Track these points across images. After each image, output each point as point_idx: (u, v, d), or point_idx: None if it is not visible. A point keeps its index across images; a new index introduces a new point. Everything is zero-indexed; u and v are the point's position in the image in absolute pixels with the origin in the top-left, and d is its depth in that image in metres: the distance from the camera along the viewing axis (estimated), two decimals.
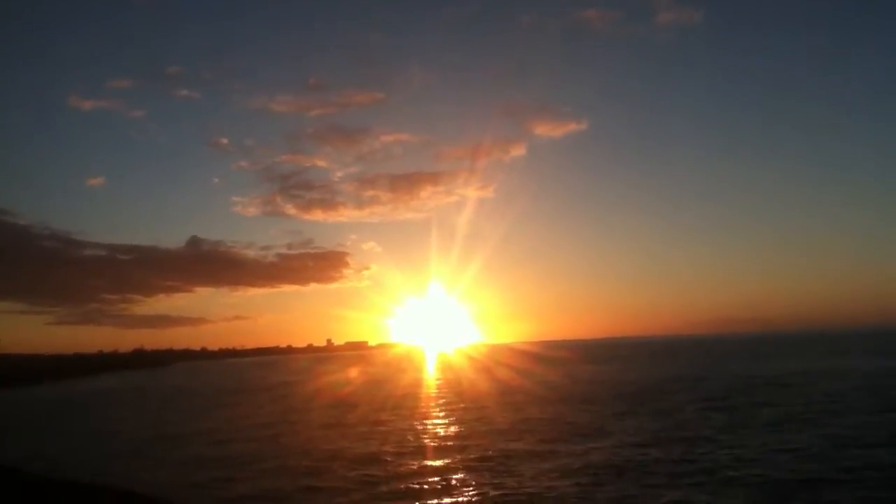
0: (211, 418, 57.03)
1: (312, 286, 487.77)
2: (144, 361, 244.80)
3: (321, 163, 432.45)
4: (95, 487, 24.91)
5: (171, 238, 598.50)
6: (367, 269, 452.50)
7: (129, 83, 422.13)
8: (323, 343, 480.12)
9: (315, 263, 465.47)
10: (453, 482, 25.85)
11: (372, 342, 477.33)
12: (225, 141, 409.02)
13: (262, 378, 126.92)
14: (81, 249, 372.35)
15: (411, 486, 25.63)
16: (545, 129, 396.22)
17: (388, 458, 31.97)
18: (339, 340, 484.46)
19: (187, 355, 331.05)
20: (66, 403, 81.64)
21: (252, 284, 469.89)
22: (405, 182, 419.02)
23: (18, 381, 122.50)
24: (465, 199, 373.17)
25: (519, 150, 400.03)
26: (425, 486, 25.43)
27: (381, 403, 61.23)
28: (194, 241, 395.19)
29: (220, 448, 38.62)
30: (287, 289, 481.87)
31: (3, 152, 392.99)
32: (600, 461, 28.59)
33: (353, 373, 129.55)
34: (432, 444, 36.33)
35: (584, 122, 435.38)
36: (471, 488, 24.58)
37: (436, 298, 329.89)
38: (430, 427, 43.35)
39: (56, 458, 36.99)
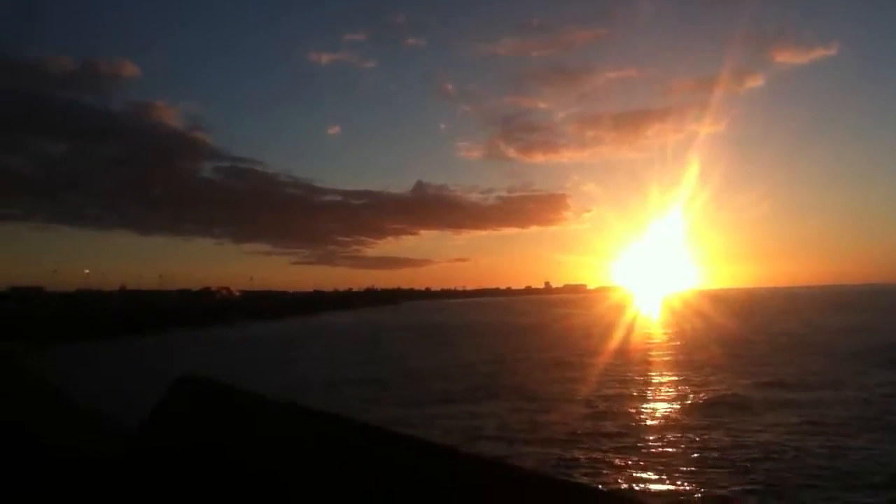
0: (451, 353, 52.85)
1: (532, 228, 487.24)
2: (375, 300, 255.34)
3: (543, 104, 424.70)
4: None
5: (399, 183, 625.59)
6: (587, 211, 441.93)
7: (361, 36, 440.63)
8: (541, 285, 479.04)
9: (535, 206, 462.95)
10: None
11: (591, 285, 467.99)
12: (450, 87, 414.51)
13: (492, 318, 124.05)
14: (320, 195, 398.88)
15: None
16: (787, 57, 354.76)
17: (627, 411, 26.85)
18: (557, 283, 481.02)
19: (413, 295, 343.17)
20: (307, 336, 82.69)
21: (474, 227, 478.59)
22: (630, 120, 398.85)
23: (267, 315, 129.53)
24: (695, 135, 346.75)
25: (756, 82, 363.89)
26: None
27: (614, 346, 55.91)
28: (420, 186, 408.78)
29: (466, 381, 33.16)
30: (507, 231, 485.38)
31: (254, 109, 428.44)
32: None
33: (581, 314, 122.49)
34: (682, 394, 31.34)
35: (833, 47, 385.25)
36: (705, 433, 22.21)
37: (658, 241, 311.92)
38: (669, 376, 37.70)
39: (303, 388, 33.77)
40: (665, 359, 46.12)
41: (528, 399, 30.17)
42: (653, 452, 20.36)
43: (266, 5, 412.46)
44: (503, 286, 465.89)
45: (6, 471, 3.93)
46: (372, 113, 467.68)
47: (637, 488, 16.96)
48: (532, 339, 68.29)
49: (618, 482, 17.30)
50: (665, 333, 71.21)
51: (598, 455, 19.97)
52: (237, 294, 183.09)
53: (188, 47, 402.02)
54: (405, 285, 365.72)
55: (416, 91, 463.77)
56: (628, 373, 38.64)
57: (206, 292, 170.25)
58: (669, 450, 20.62)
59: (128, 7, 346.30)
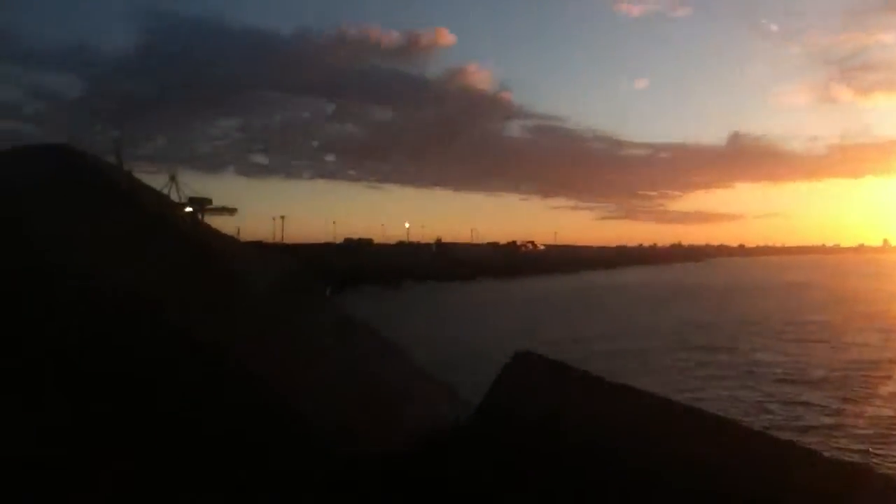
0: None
1: (867, 179, 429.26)
2: (680, 256, 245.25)
3: (886, 38, 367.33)
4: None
5: (710, 134, 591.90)
6: None
7: None
8: (878, 243, 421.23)
9: (873, 154, 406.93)
10: None
11: None
12: (774, 27, 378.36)
13: (820, 279, 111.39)
14: (624, 149, 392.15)
15: None
16: None
17: None
18: None
19: (723, 251, 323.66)
20: (608, 291, 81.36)
21: (795, 178, 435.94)
22: None
23: (568, 269, 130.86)
24: None
25: None
26: None
27: None
28: (735, 137, 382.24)
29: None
30: (836, 183, 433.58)
31: (558, 66, 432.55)
32: None
33: None
34: None
35: None
36: None
37: None
38: None
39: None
40: None
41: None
42: None
43: None
44: (829, 243, 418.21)
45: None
46: (683, 62, 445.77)
47: None
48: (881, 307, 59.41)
49: None
50: None
51: None
52: (542, 248, 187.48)
53: (499, 9, 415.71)
54: (715, 241, 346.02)
55: (733, 35, 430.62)
56: None
57: (512, 245, 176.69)
58: None
59: None
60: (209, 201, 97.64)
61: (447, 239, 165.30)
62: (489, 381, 4.80)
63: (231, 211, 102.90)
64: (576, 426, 3.51)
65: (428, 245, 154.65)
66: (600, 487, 3.33)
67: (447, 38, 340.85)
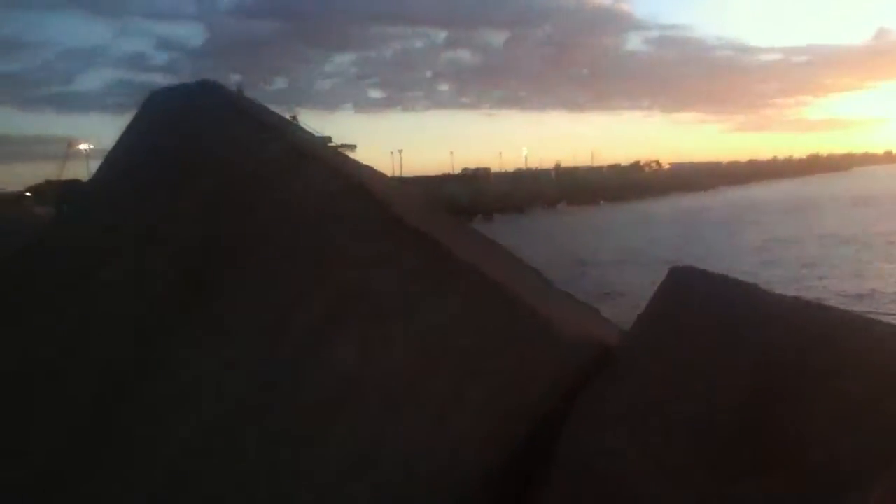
0: None
1: None
2: (820, 167, 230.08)
3: None
4: None
5: (850, 33, 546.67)
6: None
7: None
8: None
9: None
10: None
11: None
12: None
13: None
14: (754, 56, 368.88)
15: None
16: None
17: None
18: None
19: (868, 159, 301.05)
20: (746, 209, 77.52)
21: None
22: None
23: (697, 187, 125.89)
24: None
25: None
26: None
27: None
28: (882, 33, 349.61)
29: None
30: None
31: None
32: None
33: None
34: None
35: None
36: None
37: None
38: None
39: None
40: None
41: None
42: None
43: None
44: None
45: None
46: None
47: None
48: None
49: None
50: None
51: None
52: (667, 166, 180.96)
53: None
54: (857, 150, 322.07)
55: None
56: None
57: (635, 166, 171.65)
58: None
59: None
60: (329, 139, 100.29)
61: (567, 163, 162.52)
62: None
63: (350, 147, 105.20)
64: (762, 342, 3.11)
65: (547, 171, 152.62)
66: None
67: None
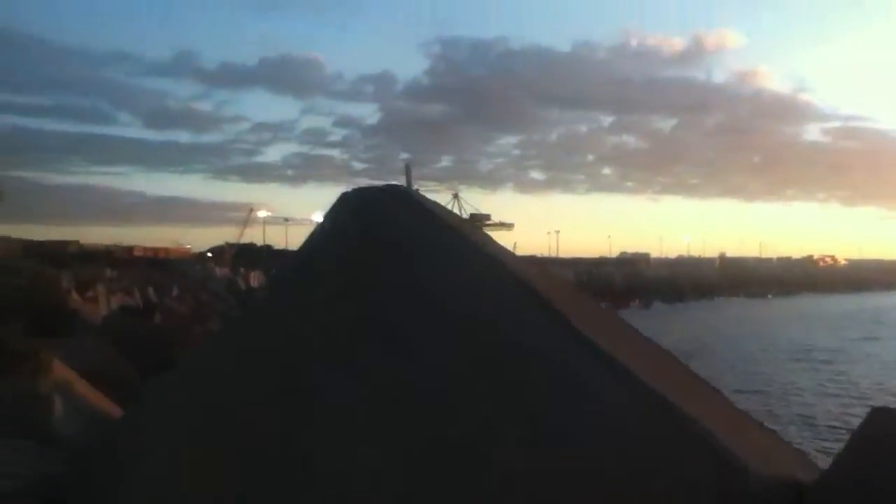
0: None
1: None
2: None
3: None
4: None
5: None
6: None
7: None
8: None
9: None
10: None
11: None
12: None
13: None
14: None
15: None
16: None
17: None
18: None
19: None
20: None
21: None
22: None
23: (879, 286, 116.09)
24: None
25: None
26: None
27: None
28: None
29: None
30: None
31: (859, 62, 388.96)
32: None
33: None
34: None
35: None
36: None
37: None
38: None
39: None
40: None
41: None
42: None
43: None
44: None
45: None
46: None
47: None
48: None
49: None
50: None
51: None
52: (843, 262, 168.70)
53: (790, 5, 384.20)
54: None
55: None
56: None
57: (808, 260, 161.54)
58: None
59: None
60: (488, 217, 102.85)
61: (732, 253, 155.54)
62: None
63: (508, 226, 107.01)
64: None
65: (710, 259, 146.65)
66: None
67: (735, 39, 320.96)
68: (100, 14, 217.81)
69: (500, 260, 4.17)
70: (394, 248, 4.09)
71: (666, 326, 39.41)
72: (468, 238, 4.30)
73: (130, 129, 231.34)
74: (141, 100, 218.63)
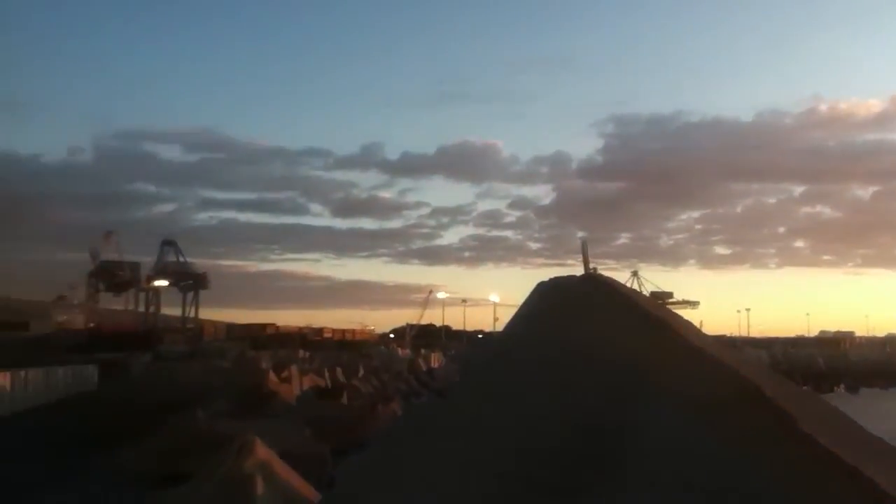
0: None
1: None
2: None
3: None
4: None
5: None
6: None
7: None
8: None
9: None
10: None
11: None
12: None
13: None
14: None
15: None
16: None
17: None
18: None
19: None
20: None
21: None
22: None
23: None
24: None
25: None
26: None
27: None
28: None
29: None
30: None
31: None
32: None
33: None
34: None
35: None
36: None
37: None
38: None
39: None
40: None
41: None
42: None
43: None
44: None
45: None
46: None
47: None
48: None
49: None
50: None
51: None
52: None
53: None
54: None
55: None
56: None
57: None
58: None
59: None
60: (670, 295, 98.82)
61: None
62: None
63: (693, 304, 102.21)
64: None
65: None
66: None
67: None
68: (296, 116, 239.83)
69: (720, 361, 3.82)
70: (593, 345, 3.90)
71: (879, 416, 35.17)
72: (678, 334, 4.01)
73: (321, 218, 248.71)
74: (331, 191, 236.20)
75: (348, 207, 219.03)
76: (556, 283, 4.58)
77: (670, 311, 4.98)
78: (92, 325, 78.54)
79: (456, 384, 5.92)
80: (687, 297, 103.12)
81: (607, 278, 4.66)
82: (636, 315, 4.04)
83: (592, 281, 4.42)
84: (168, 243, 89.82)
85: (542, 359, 4.04)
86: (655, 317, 4.10)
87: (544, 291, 4.52)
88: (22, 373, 29.16)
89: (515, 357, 4.35)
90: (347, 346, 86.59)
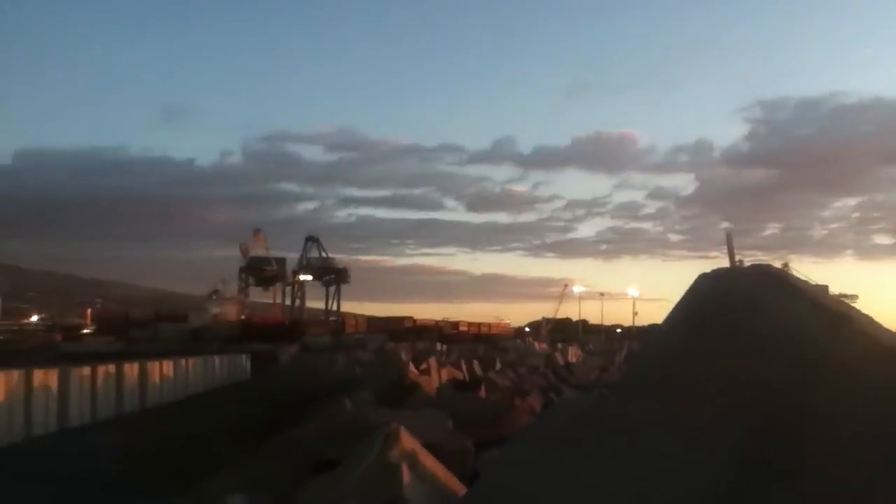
0: None
1: None
2: None
3: None
4: None
5: None
6: None
7: None
8: None
9: None
10: None
11: None
12: None
13: None
14: None
15: None
16: None
17: None
18: None
19: None
20: None
21: None
22: None
23: None
24: None
25: None
26: None
27: None
28: None
29: None
30: None
31: None
32: None
33: None
34: None
35: None
36: None
37: None
38: None
39: None
40: None
41: None
42: None
43: None
44: None
45: None
46: None
47: None
48: None
49: None
50: None
51: None
52: None
53: None
54: None
55: None
56: None
57: None
58: None
59: None
60: (826, 288, 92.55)
61: None
62: None
63: (851, 298, 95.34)
64: None
65: None
66: None
67: None
68: (429, 113, 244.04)
69: None
70: (775, 339, 3.64)
71: None
72: (862, 327, 3.69)
73: (455, 213, 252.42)
74: (464, 186, 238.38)
75: (482, 202, 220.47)
76: (722, 274, 4.33)
77: (848, 304, 4.60)
78: (243, 317, 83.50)
79: (628, 381, 5.73)
80: (844, 291, 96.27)
81: (779, 270, 4.36)
82: (817, 308, 3.74)
83: (766, 273, 4.15)
84: (311, 239, 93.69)
85: (721, 353, 3.81)
86: (837, 310, 3.79)
87: (711, 284, 4.28)
88: (182, 361, 31.41)
89: (694, 352, 4.15)
90: (483, 340, 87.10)
